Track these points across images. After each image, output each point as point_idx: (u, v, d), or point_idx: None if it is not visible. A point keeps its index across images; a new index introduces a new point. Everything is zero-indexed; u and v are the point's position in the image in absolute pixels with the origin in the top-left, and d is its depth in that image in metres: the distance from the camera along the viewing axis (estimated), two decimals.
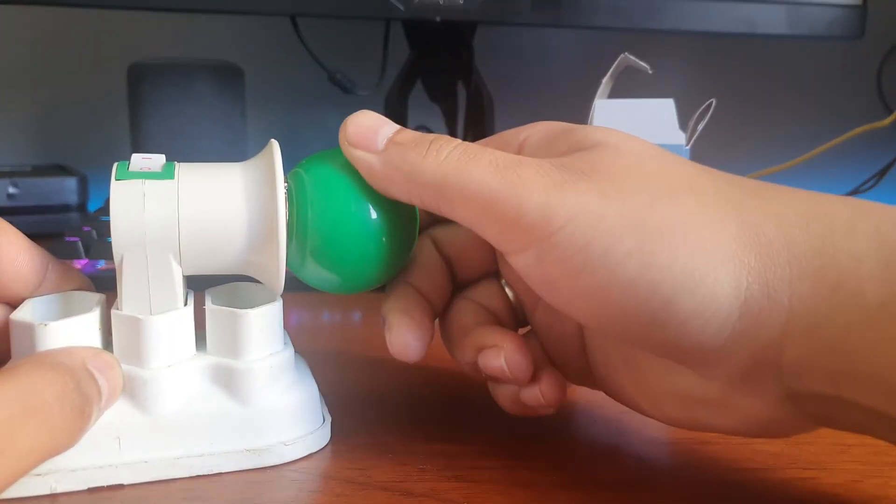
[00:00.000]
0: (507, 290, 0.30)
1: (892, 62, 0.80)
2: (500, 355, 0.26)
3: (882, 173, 0.79)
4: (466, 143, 0.24)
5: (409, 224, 0.27)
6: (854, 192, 0.79)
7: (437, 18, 0.59)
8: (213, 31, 0.79)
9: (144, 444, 0.25)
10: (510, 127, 0.27)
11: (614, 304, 0.22)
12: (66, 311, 0.27)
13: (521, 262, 0.23)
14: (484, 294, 0.29)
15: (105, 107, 0.77)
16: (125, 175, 0.25)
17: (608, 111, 0.42)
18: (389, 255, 0.27)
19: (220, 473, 0.26)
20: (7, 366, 0.22)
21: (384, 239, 0.26)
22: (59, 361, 0.22)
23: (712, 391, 0.23)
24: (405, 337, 0.27)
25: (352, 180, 0.26)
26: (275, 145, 0.26)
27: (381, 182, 0.25)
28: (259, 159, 0.26)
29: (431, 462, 0.27)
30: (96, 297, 0.27)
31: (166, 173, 0.25)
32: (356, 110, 0.27)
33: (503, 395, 0.28)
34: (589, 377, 0.28)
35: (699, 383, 0.23)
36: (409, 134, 0.25)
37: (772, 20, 0.62)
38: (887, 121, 0.63)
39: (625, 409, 0.27)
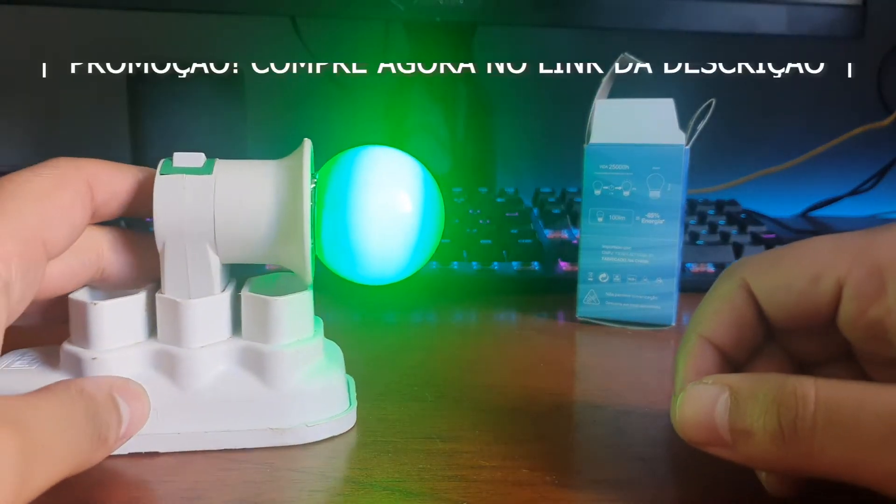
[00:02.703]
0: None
1: (892, 62, 0.80)
2: None
3: (882, 173, 0.79)
4: (817, 398, 0.21)
5: (433, 221, 0.29)
6: (854, 193, 0.79)
7: (437, 18, 0.59)
8: (214, 32, 0.79)
9: (179, 417, 0.27)
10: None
11: None
12: (119, 293, 0.28)
13: None
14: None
15: (105, 107, 0.77)
16: (169, 170, 0.27)
17: (608, 111, 0.42)
18: (415, 250, 0.28)
19: (245, 449, 0.27)
20: (42, 388, 0.24)
21: (411, 234, 0.28)
22: (84, 389, 0.24)
23: None
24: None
25: (377, 179, 0.28)
26: (307, 144, 0.28)
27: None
28: (291, 157, 0.28)
29: (431, 461, 0.27)
30: (151, 283, 0.29)
31: (206, 169, 0.27)
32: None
33: None
34: None
35: None
36: (751, 418, 0.22)
37: (772, 20, 0.62)
38: (887, 121, 0.63)
39: (625, 408, 0.27)
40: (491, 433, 0.29)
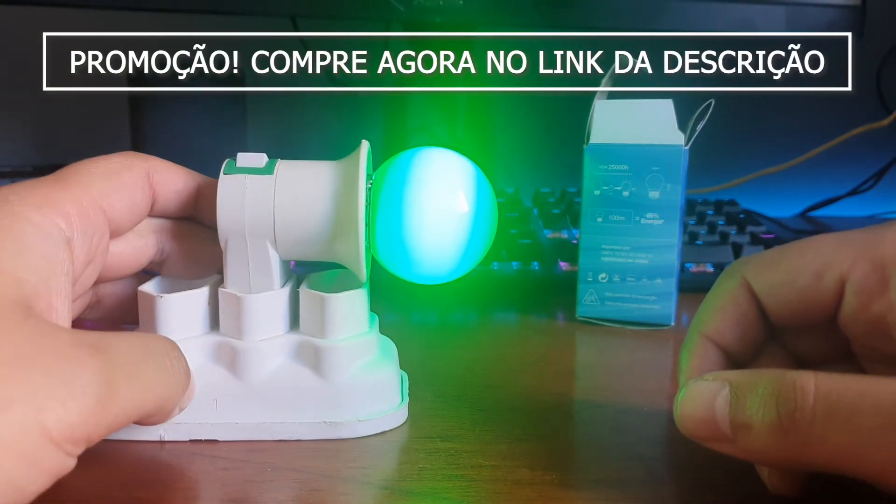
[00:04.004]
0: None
1: (892, 62, 0.80)
2: None
3: (881, 173, 0.79)
4: (823, 391, 0.21)
5: (486, 222, 0.29)
6: (854, 193, 0.79)
7: (437, 18, 0.59)
8: (214, 31, 0.79)
9: (237, 407, 0.28)
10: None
11: None
12: (186, 287, 0.29)
13: None
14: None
15: (105, 107, 0.77)
16: (232, 170, 0.28)
17: (608, 112, 0.42)
18: (464, 253, 0.29)
19: (298, 441, 0.28)
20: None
21: (460, 235, 0.29)
22: (159, 336, 0.26)
23: None
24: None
25: (431, 180, 0.29)
26: (364, 146, 0.28)
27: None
28: (349, 158, 0.29)
29: (431, 461, 0.27)
30: (214, 277, 0.30)
31: (267, 169, 0.28)
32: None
33: None
34: None
35: None
36: (750, 411, 0.22)
37: (771, 20, 0.62)
38: (887, 121, 0.64)
39: (625, 408, 0.27)
40: (491, 432, 0.29)
